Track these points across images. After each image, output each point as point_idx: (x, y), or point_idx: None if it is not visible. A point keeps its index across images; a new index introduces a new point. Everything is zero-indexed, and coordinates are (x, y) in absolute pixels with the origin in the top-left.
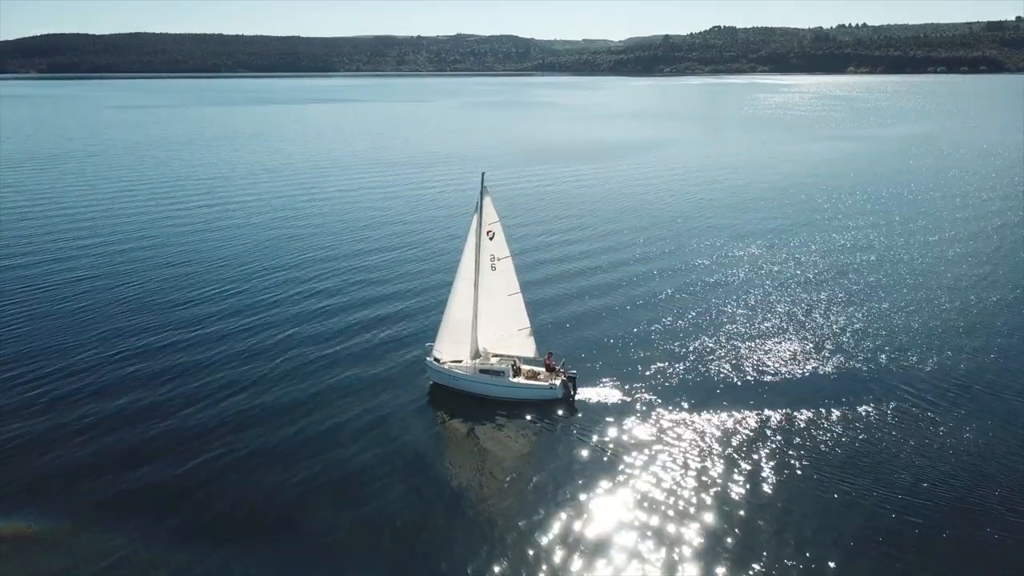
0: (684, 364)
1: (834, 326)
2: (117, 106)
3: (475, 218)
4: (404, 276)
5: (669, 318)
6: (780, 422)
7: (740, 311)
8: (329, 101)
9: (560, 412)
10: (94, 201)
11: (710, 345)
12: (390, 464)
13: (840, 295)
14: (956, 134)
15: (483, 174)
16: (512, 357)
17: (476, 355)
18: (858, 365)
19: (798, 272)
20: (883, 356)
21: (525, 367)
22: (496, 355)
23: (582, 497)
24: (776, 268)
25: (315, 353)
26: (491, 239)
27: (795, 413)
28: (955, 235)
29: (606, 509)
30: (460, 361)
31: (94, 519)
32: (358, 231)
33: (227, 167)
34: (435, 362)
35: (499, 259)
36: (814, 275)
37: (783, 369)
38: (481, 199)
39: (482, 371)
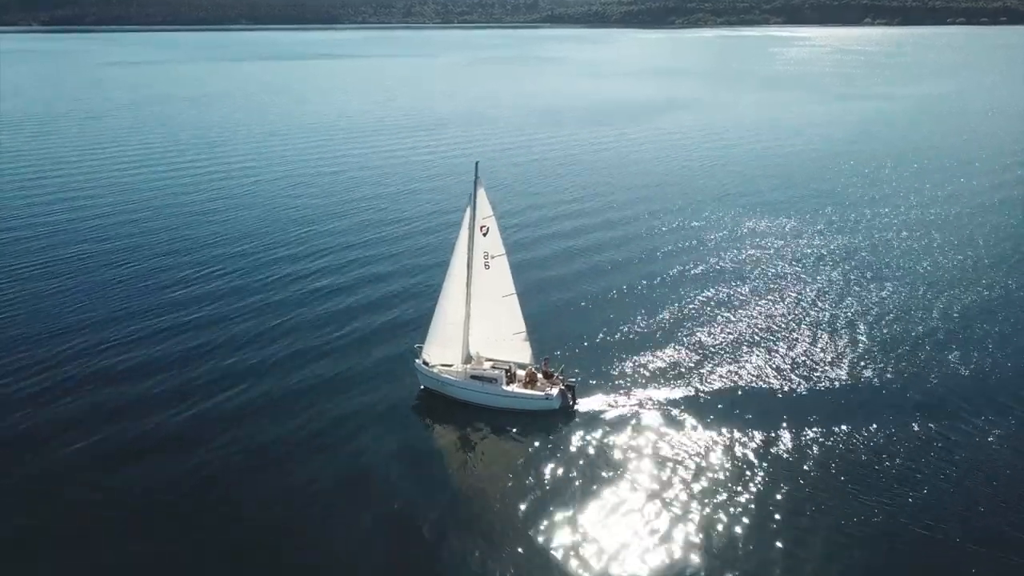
0: (695, 370)
1: (860, 325)
2: (117, 62)
3: (468, 211)
4: (399, 264)
5: (680, 319)
6: (800, 434)
7: (758, 310)
8: (332, 57)
9: (558, 423)
10: (89, 166)
11: (724, 350)
12: (373, 473)
13: (869, 286)
14: (982, 92)
15: (477, 164)
16: (507, 362)
17: (467, 359)
18: (889, 371)
19: (822, 259)
20: (915, 358)
21: (521, 371)
22: (489, 359)
23: (579, 516)
24: (798, 254)
25: (297, 351)
26: (485, 235)
27: (816, 424)
28: (990, 211)
29: (605, 528)
30: (450, 365)
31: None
32: (352, 209)
33: (224, 132)
34: (423, 365)
35: (493, 257)
36: (840, 262)
37: (803, 375)
38: (475, 191)
39: (473, 377)
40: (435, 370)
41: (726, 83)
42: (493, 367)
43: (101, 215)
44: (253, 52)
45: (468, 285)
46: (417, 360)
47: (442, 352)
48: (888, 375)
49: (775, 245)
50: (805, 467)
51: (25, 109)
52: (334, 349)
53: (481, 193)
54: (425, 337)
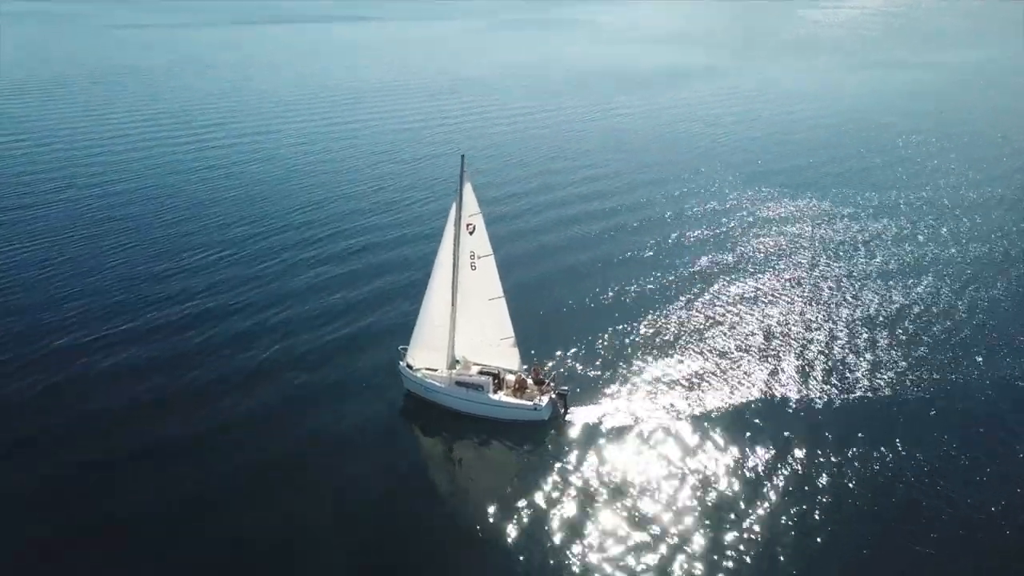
0: (700, 377)
1: (887, 327)
2: (125, 25)
3: (454, 207)
4: (392, 251)
5: (685, 321)
6: (815, 450)
7: (772, 308)
8: (344, 20)
9: (548, 433)
10: (93, 134)
11: (734, 355)
12: (343, 485)
13: (900, 280)
14: (1016, 60)
15: (463, 156)
16: (496, 367)
17: (452, 364)
18: (917, 380)
19: (848, 248)
20: (948, 365)
21: (511, 376)
22: (477, 364)
23: (562, 538)
24: (822, 244)
25: (276, 346)
26: (471, 233)
27: (832, 439)
28: None
29: (594, 551)
30: (435, 370)
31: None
32: (347, 183)
33: (230, 100)
34: (407, 368)
35: (480, 257)
36: (869, 252)
37: (823, 384)
38: (461, 186)
39: (458, 383)
40: (419, 374)
41: (751, 49)
42: (481, 372)
43: (97, 183)
44: (261, 15)
45: (454, 286)
46: (401, 363)
47: (426, 356)
48: (916, 384)
49: (795, 232)
50: (816, 487)
51: (30, 74)
52: (315, 345)
53: (468, 188)
54: (410, 338)
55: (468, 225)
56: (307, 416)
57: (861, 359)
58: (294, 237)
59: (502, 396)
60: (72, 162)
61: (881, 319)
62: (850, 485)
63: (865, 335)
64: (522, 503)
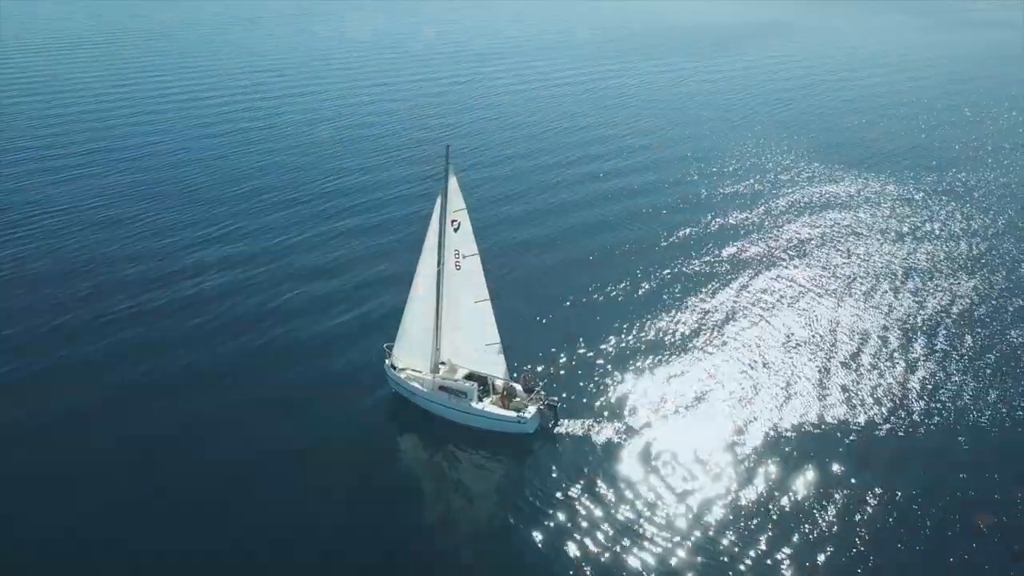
0: (702, 389)
1: (929, 341)
2: None
3: (438, 202)
4: (382, 241)
5: (689, 325)
6: (834, 477)
7: (793, 313)
8: None
9: (535, 446)
10: (113, 96)
11: (740, 365)
12: (328, 493)
13: (956, 284)
14: None
15: (448, 147)
16: (485, 373)
17: (436, 368)
18: (962, 406)
19: (894, 241)
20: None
21: (499, 382)
22: (463, 368)
23: (554, 555)
24: (867, 234)
25: (265, 335)
26: (456, 230)
27: (852, 467)
28: None
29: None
30: (420, 372)
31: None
32: (353, 166)
33: (241, 64)
34: (392, 369)
35: (465, 256)
36: (916, 250)
37: (850, 402)
38: (446, 180)
39: (442, 388)
40: (403, 375)
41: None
42: (468, 377)
43: (105, 139)
44: None
45: (438, 287)
46: (387, 361)
47: (410, 357)
48: (965, 405)
49: (830, 220)
50: (827, 517)
51: (74, 31)
52: (294, 341)
53: (452, 182)
54: (395, 336)
55: (453, 221)
56: (281, 417)
57: (896, 370)
58: (278, 223)
59: (486, 404)
60: (88, 121)
61: (931, 325)
62: (869, 519)
63: (902, 343)
64: (497, 519)
